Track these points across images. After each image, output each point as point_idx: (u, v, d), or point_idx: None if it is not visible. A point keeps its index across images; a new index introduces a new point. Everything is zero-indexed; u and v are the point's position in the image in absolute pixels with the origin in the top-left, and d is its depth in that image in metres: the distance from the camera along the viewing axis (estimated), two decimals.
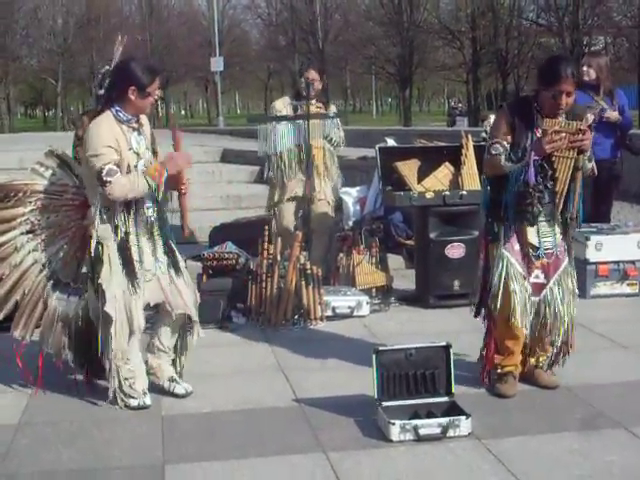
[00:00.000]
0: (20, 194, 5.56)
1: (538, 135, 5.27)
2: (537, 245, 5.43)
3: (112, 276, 5.26)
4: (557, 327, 5.50)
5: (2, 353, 6.55)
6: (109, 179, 5.07)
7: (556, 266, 5.49)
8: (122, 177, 5.11)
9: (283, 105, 8.34)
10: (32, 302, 5.58)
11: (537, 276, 5.47)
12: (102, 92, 7.45)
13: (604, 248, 7.92)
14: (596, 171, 7.42)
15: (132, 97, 5.19)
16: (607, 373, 5.91)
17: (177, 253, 5.50)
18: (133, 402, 5.38)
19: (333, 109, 8.53)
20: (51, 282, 5.58)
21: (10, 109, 62.26)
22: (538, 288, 5.47)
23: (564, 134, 5.21)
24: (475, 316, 5.76)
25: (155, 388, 5.60)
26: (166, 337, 5.56)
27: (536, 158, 5.20)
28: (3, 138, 22.18)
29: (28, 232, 5.54)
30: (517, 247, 5.41)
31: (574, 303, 5.55)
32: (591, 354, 6.31)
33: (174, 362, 5.65)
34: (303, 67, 8.72)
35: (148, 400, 5.40)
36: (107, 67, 7.56)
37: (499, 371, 5.55)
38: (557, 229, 5.49)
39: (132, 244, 5.30)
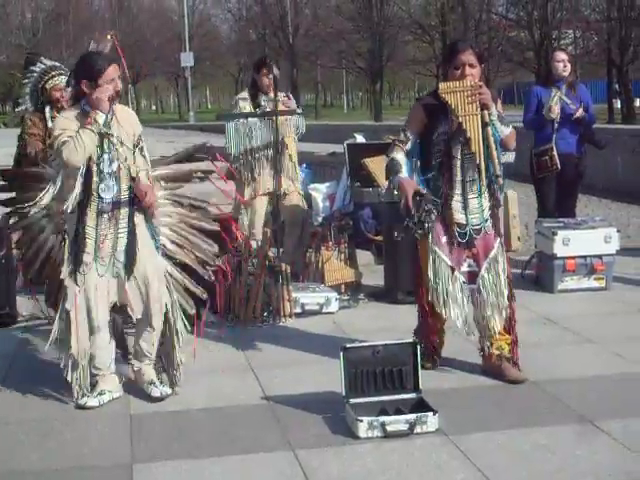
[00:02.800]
0: (29, 179, 5.73)
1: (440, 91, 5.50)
2: (464, 222, 5.57)
3: (75, 275, 5.29)
4: (494, 313, 5.62)
5: None
6: (62, 147, 5.12)
7: (486, 251, 5.62)
8: (69, 140, 5.13)
9: (245, 102, 8.34)
10: (55, 282, 5.69)
11: (470, 265, 5.62)
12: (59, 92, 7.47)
13: (571, 243, 7.97)
14: (559, 165, 7.60)
15: (86, 90, 5.20)
16: (574, 367, 5.96)
17: (149, 253, 5.43)
18: (80, 400, 5.38)
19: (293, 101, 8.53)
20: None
21: None
22: (472, 277, 5.61)
23: (458, 92, 5.42)
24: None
25: (125, 388, 5.60)
26: (145, 341, 5.52)
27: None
28: None
29: (44, 216, 5.65)
30: (444, 239, 5.56)
31: (506, 288, 5.64)
32: (558, 348, 6.37)
33: (159, 365, 5.64)
34: (265, 60, 8.59)
35: (93, 402, 5.37)
36: (42, 65, 7.60)
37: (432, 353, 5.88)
38: (485, 203, 5.62)
39: (89, 237, 5.28)
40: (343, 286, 7.95)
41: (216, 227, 6.01)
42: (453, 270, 5.55)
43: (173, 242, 5.70)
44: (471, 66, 5.47)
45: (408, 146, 5.59)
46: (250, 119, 8.15)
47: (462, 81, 5.45)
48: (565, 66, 8.55)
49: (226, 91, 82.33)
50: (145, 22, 62.44)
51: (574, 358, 6.19)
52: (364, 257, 8.93)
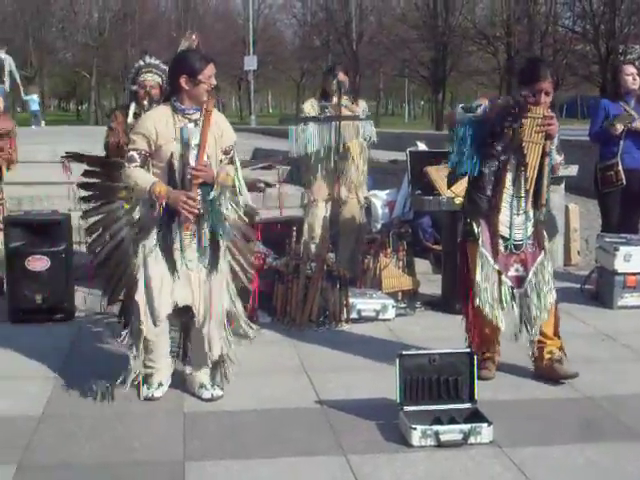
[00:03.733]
0: (114, 167, 5.85)
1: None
2: (507, 236, 5.64)
3: (147, 262, 5.33)
4: (543, 317, 5.72)
5: (29, 344, 6.66)
6: (126, 164, 5.28)
7: (534, 256, 5.71)
8: (134, 170, 5.25)
9: (311, 106, 8.33)
10: (119, 273, 5.84)
11: (517, 269, 5.70)
12: (135, 87, 7.57)
13: (633, 259, 7.87)
14: (624, 180, 7.57)
15: (185, 86, 5.24)
16: (632, 385, 5.87)
17: (221, 255, 5.46)
18: (144, 392, 5.47)
19: (363, 105, 8.50)
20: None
21: (44, 102, 62.65)
22: (519, 281, 5.69)
23: (529, 118, 5.46)
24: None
25: (180, 384, 5.64)
26: (202, 346, 5.51)
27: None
28: (36, 131, 22.30)
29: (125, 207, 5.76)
30: (491, 244, 5.65)
31: (552, 294, 5.74)
32: (616, 365, 6.29)
33: (213, 369, 5.65)
34: (333, 67, 8.65)
35: (158, 393, 5.48)
36: (141, 62, 7.69)
37: (481, 357, 5.78)
38: (529, 223, 5.69)
39: (172, 232, 5.32)
40: (400, 294, 7.92)
41: (254, 238, 6.10)
42: (500, 274, 5.63)
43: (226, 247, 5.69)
44: (547, 94, 5.52)
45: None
46: (311, 123, 8.14)
47: (537, 108, 5.48)
48: (634, 79, 8.46)
49: (288, 96, 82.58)
50: (210, 24, 62.72)
51: (632, 375, 6.09)
52: (422, 265, 8.90)
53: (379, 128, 8.78)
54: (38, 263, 7.34)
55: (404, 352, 5.13)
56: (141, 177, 5.24)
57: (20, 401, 5.48)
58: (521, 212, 5.65)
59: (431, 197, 7.74)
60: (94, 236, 5.99)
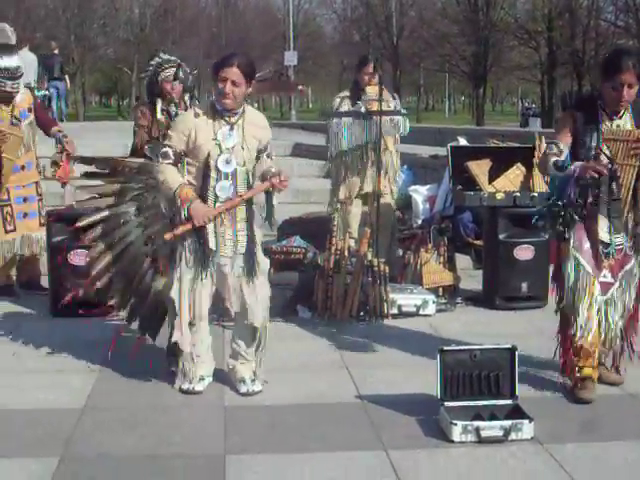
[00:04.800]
0: (127, 169, 5.80)
1: (603, 135, 5.27)
2: (608, 242, 5.37)
3: (183, 260, 5.36)
4: (618, 326, 5.50)
5: (71, 337, 6.71)
6: (160, 159, 5.33)
7: (622, 263, 5.45)
8: (167, 167, 5.30)
9: (344, 100, 8.31)
10: (129, 276, 5.80)
11: (605, 275, 5.44)
12: (169, 85, 7.60)
13: None
14: None
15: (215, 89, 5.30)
16: None
17: (258, 253, 5.48)
18: (185, 385, 5.51)
19: (395, 98, 8.45)
20: (149, 259, 5.73)
21: (85, 97, 63.06)
22: (605, 287, 5.43)
23: (621, 142, 5.24)
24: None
25: (221, 378, 5.66)
26: (243, 340, 5.58)
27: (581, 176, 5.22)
28: (77, 126, 22.41)
29: (136, 208, 5.75)
30: (587, 246, 5.38)
31: (633, 302, 5.52)
32: None
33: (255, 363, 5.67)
34: (365, 59, 8.53)
35: (200, 387, 5.51)
36: (158, 59, 7.69)
37: (577, 375, 5.48)
38: (628, 226, 5.46)
39: (208, 233, 5.33)
40: (441, 289, 7.89)
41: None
42: (593, 279, 5.38)
43: None
44: (630, 86, 5.26)
45: (562, 158, 5.31)
46: (346, 118, 8.12)
47: (628, 132, 5.28)
48: None
49: (328, 91, 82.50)
50: (250, 20, 62.83)
51: None
52: (463, 261, 8.86)
53: (420, 123, 8.74)
54: (80, 257, 7.38)
55: (445, 347, 5.12)
56: (170, 176, 5.27)
57: (62, 394, 5.53)
58: (617, 215, 5.35)
59: (472, 192, 7.70)
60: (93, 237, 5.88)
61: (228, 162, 5.26)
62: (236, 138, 5.29)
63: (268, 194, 5.50)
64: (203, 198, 5.27)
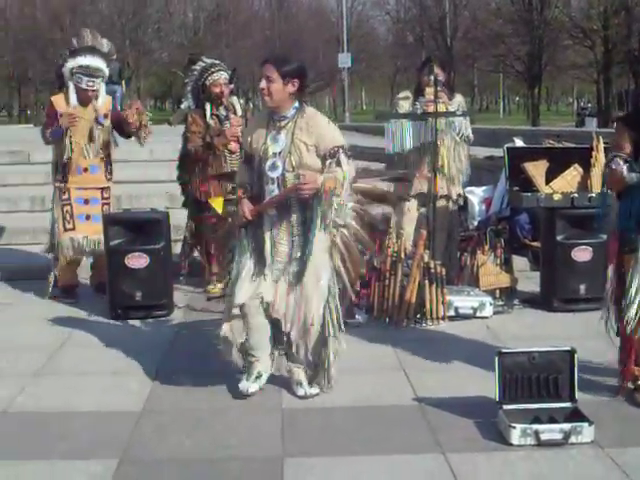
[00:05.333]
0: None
1: None
2: None
3: (241, 258, 5.40)
4: None
5: (129, 340, 6.77)
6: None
7: None
8: (240, 166, 5.53)
9: (405, 100, 8.28)
10: None
11: None
12: (218, 88, 7.67)
13: None
14: None
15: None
16: None
17: (313, 258, 5.33)
18: (240, 384, 5.50)
19: (458, 99, 8.39)
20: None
21: (141, 101, 63.56)
22: None
23: None
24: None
25: (279, 380, 5.67)
26: (299, 343, 5.51)
27: None
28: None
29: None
30: None
31: None
32: None
33: (315, 369, 5.62)
34: (428, 61, 8.51)
35: (254, 387, 5.49)
36: (202, 63, 7.76)
37: (639, 382, 5.42)
38: None
39: (260, 235, 5.35)
40: (498, 291, 7.83)
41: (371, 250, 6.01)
42: None
43: (338, 252, 5.56)
44: None
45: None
46: (403, 119, 8.08)
47: None
48: None
49: (381, 93, 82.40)
50: (304, 22, 62.97)
51: None
52: (520, 263, 8.79)
53: (474, 124, 8.65)
54: (137, 260, 7.45)
55: (504, 350, 5.09)
56: (238, 173, 5.34)
57: (121, 396, 5.58)
58: None
59: (529, 193, 7.64)
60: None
61: (275, 167, 5.26)
62: (283, 143, 5.27)
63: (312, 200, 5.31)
64: (259, 199, 5.32)
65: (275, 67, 5.23)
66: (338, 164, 5.25)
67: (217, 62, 7.86)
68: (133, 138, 8.19)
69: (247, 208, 5.32)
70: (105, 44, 8.22)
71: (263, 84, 5.24)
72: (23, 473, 4.49)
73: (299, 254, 5.35)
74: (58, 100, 7.91)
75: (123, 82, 24.34)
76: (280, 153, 5.26)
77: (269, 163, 5.27)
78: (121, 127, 8.10)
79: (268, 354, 5.63)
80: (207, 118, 7.80)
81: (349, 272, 5.58)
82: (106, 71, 8.00)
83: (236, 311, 5.42)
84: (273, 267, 5.37)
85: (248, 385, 5.49)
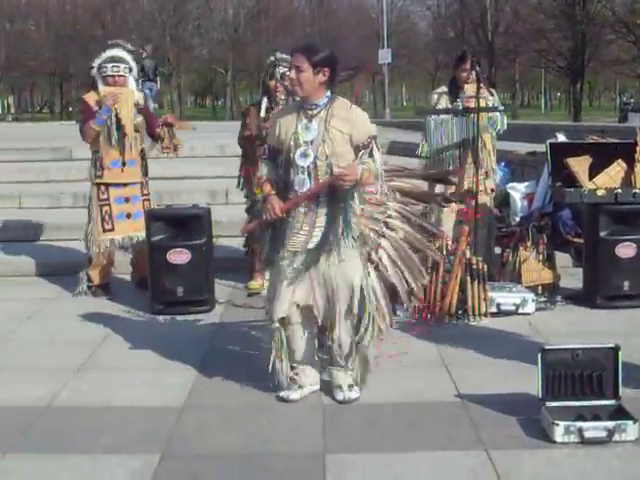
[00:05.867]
0: None
1: None
2: None
3: (273, 260, 5.35)
4: None
5: (171, 336, 6.80)
6: (263, 155, 5.41)
7: None
8: (263, 163, 5.37)
9: (441, 96, 8.25)
10: None
11: None
12: (273, 82, 7.68)
13: None
14: None
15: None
16: None
17: (341, 254, 5.21)
18: (281, 392, 5.43)
19: (495, 95, 8.34)
20: None
21: (181, 98, 63.85)
22: None
23: None
24: None
25: (321, 379, 5.64)
26: (337, 345, 5.42)
27: None
28: None
29: None
30: None
31: None
32: None
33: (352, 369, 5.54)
34: (464, 55, 8.44)
35: (295, 395, 5.41)
36: (272, 58, 7.79)
37: None
38: None
39: (287, 228, 5.28)
40: (540, 287, 7.79)
41: (438, 257, 5.92)
42: None
43: (390, 257, 5.50)
44: None
45: None
46: (443, 115, 8.05)
47: None
48: None
49: (422, 89, 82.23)
50: (344, 18, 62.94)
51: None
52: (562, 259, 8.73)
53: (516, 120, 8.62)
54: (179, 256, 7.48)
55: (547, 347, 5.05)
56: (263, 169, 5.31)
57: (162, 392, 5.60)
58: None
59: (572, 189, 7.59)
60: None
61: (305, 155, 5.16)
62: (315, 131, 5.17)
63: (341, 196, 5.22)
64: (289, 192, 5.25)
65: (305, 56, 5.13)
66: (370, 155, 5.20)
67: (285, 57, 7.87)
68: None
69: (277, 204, 5.21)
70: (130, 46, 8.35)
71: (293, 74, 5.16)
72: (65, 467, 4.52)
73: (313, 245, 5.21)
74: (89, 97, 7.96)
75: (159, 79, 24.82)
76: (312, 142, 5.16)
77: (300, 151, 5.16)
78: (149, 126, 8.16)
79: (311, 368, 5.55)
80: (261, 112, 7.84)
81: (406, 277, 5.53)
82: (132, 63, 8.07)
83: (278, 323, 5.32)
84: (299, 261, 5.23)
85: (289, 393, 5.41)
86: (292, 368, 5.46)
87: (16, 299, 8.18)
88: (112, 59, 7.91)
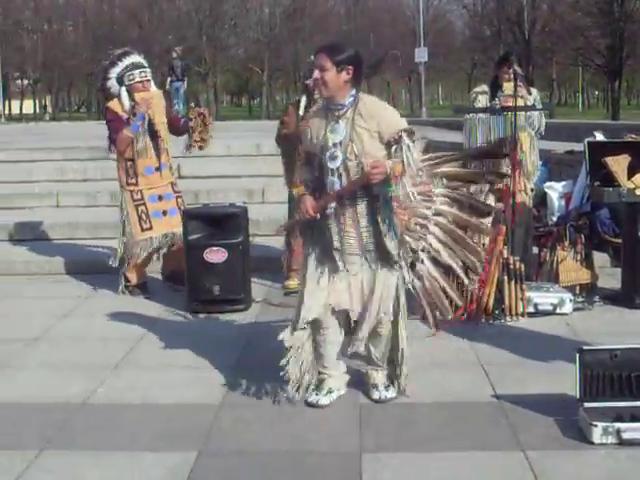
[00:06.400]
0: None
1: None
2: None
3: (308, 261, 5.30)
4: None
5: (208, 334, 6.81)
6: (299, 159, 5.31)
7: None
8: (299, 166, 5.35)
9: (482, 94, 8.22)
10: None
11: None
12: (308, 81, 7.70)
13: None
14: None
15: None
16: None
17: (384, 253, 5.20)
18: (311, 396, 5.38)
19: (534, 94, 8.30)
20: None
21: (217, 97, 64.08)
22: None
23: None
24: None
25: (356, 376, 5.61)
26: (372, 345, 5.43)
27: None
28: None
29: None
30: None
31: None
32: None
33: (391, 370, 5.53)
34: (506, 55, 8.42)
35: (325, 400, 5.34)
36: (311, 57, 7.81)
37: None
38: None
39: (322, 230, 5.24)
40: (578, 287, 7.74)
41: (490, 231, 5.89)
42: None
43: (440, 241, 5.48)
44: None
45: None
46: (481, 114, 8.02)
47: None
48: None
49: (458, 87, 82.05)
50: (380, 17, 62.88)
51: None
52: (600, 259, 8.66)
53: (553, 119, 8.57)
54: (216, 255, 7.50)
55: (584, 347, 5.02)
56: (300, 173, 5.32)
57: (200, 390, 5.62)
58: None
59: (610, 188, 7.54)
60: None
61: (334, 157, 5.12)
62: (343, 132, 5.12)
63: (379, 194, 5.19)
64: (322, 194, 5.22)
65: (328, 56, 5.10)
66: (401, 149, 5.10)
67: None
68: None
69: (310, 204, 5.19)
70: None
71: (317, 74, 5.12)
72: (102, 464, 4.55)
73: (372, 247, 5.21)
74: (115, 106, 7.99)
75: (186, 79, 25.53)
76: (340, 143, 5.12)
77: (329, 153, 5.13)
78: (172, 125, 8.22)
79: (341, 372, 5.53)
80: (300, 110, 7.87)
81: (463, 258, 5.53)
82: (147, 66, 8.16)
83: (305, 325, 5.29)
84: (342, 263, 5.23)
85: (318, 397, 5.35)
86: (319, 373, 5.44)
87: (53, 297, 8.26)
88: (136, 65, 7.93)
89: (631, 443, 4.60)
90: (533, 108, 8.02)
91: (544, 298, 7.29)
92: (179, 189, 8.26)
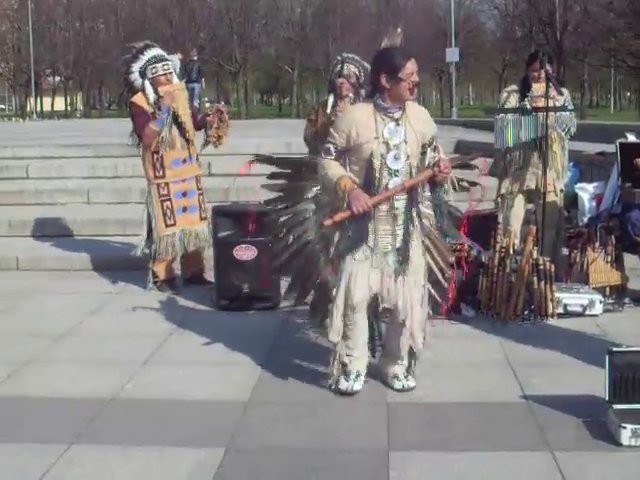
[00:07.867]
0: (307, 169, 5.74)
1: None
2: None
3: (344, 256, 5.34)
4: None
5: (236, 331, 6.83)
6: (322, 154, 5.34)
7: None
8: (329, 162, 5.29)
9: (512, 95, 8.19)
10: (307, 273, 5.76)
11: None
12: (339, 80, 7.70)
13: None
14: None
15: (386, 84, 5.18)
16: None
17: (414, 250, 5.35)
18: (342, 385, 5.45)
19: (566, 94, 8.26)
20: (323, 257, 5.64)
21: (247, 96, 64.21)
22: None
23: None
24: None
25: (383, 375, 5.65)
26: (397, 339, 5.50)
27: None
28: (241, 124, 22.85)
29: (314, 206, 5.69)
30: None
31: None
32: None
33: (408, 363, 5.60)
34: (536, 55, 8.35)
35: (357, 386, 5.45)
36: (339, 57, 7.83)
37: None
38: None
39: (368, 228, 5.29)
40: (608, 289, 7.69)
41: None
42: None
43: (423, 242, 5.57)
44: None
45: None
46: (511, 114, 7.98)
47: None
48: None
49: (489, 88, 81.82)
50: (411, 17, 62.77)
51: None
52: (631, 260, 8.58)
53: (584, 120, 8.54)
54: (245, 252, 7.51)
55: (614, 349, 4.99)
56: (332, 168, 5.26)
57: (228, 387, 5.64)
58: None
59: None
60: (280, 237, 5.88)
61: (397, 158, 5.20)
62: (402, 133, 5.21)
63: (434, 189, 5.44)
64: (368, 195, 5.22)
65: None
66: (435, 151, 5.37)
67: (350, 56, 7.89)
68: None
69: (367, 197, 5.18)
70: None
71: (416, 77, 5.23)
72: (130, 459, 4.56)
73: (399, 245, 5.31)
74: (140, 100, 8.03)
75: (203, 80, 26.20)
76: (400, 144, 5.21)
77: (392, 155, 5.18)
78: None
79: (365, 354, 5.61)
80: (327, 109, 7.87)
81: (438, 262, 5.68)
82: (169, 58, 8.20)
83: (349, 310, 5.35)
84: (376, 257, 5.32)
85: (351, 384, 5.44)
86: (347, 355, 5.49)
87: (82, 293, 8.31)
88: (158, 58, 7.97)
89: None
90: (563, 108, 7.98)
91: (574, 299, 7.25)
92: (202, 185, 8.29)
